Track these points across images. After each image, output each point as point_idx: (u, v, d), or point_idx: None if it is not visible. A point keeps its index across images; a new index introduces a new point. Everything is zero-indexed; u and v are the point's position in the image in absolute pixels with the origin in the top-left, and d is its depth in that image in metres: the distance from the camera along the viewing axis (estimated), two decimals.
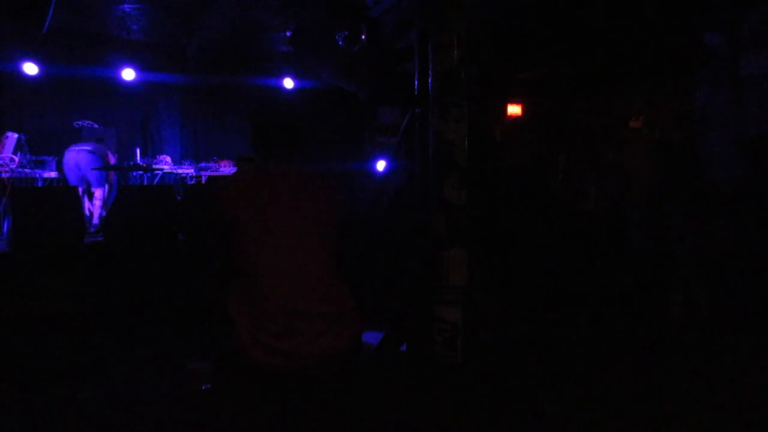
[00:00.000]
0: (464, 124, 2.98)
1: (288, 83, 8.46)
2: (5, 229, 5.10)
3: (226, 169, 7.69)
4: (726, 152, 4.80)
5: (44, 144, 6.83)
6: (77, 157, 6.33)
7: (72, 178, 6.39)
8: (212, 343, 2.07)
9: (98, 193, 6.50)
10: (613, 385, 3.14)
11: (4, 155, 6.10)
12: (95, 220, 6.20)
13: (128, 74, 7.57)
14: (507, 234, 3.92)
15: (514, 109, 7.91)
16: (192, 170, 7.65)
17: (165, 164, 7.41)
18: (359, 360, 2.13)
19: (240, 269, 1.88)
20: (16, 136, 6.35)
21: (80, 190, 6.02)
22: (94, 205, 6.35)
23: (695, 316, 4.11)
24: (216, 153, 8.43)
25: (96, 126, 7.14)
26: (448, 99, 2.95)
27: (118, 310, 4.20)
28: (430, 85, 3.05)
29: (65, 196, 5.07)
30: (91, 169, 6.62)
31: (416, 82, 3.33)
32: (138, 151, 7.20)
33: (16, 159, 6.15)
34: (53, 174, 6.61)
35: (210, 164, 7.80)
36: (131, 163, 7.09)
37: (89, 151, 6.40)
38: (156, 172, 7.26)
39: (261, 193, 1.91)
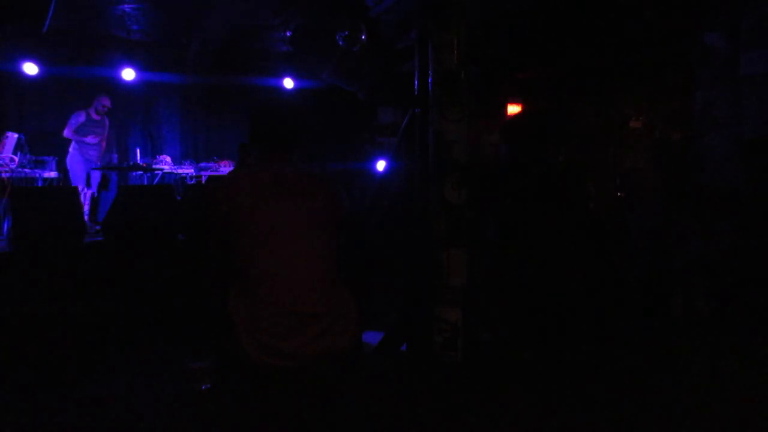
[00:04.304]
0: (464, 124, 2.98)
1: (288, 83, 8.46)
2: (5, 229, 5.10)
3: (226, 169, 7.68)
4: (726, 152, 4.79)
5: (44, 144, 6.83)
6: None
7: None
8: (212, 343, 2.07)
9: (88, 193, 6.57)
10: (613, 385, 3.14)
11: (4, 155, 6.10)
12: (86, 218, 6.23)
13: (128, 74, 7.57)
14: (506, 233, 3.92)
15: (514, 109, 7.91)
16: (192, 170, 7.65)
17: (165, 164, 7.40)
18: (359, 360, 2.13)
19: (239, 270, 1.88)
20: (16, 136, 6.36)
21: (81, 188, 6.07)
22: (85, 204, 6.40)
23: (695, 315, 4.11)
24: (216, 153, 8.42)
25: None
26: (448, 99, 2.95)
27: (118, 310, 4.20)
28: (430, 85, 3.05)
29: (65, 196, 5.07)
30: (91, 169, 6.65)
31: (416, 82, 3.33)
32: (138, 151, 7.20)
33: (16, 159, 6.15)
34: (53, 174, 6.62)
35: (210, 164, 7.80)
36: (131, 163, 7.10)
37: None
38: (156, 172, 7.26)
39: (260, 193, 1.91)
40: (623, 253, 4.46)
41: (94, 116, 6.60)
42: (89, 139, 6.53)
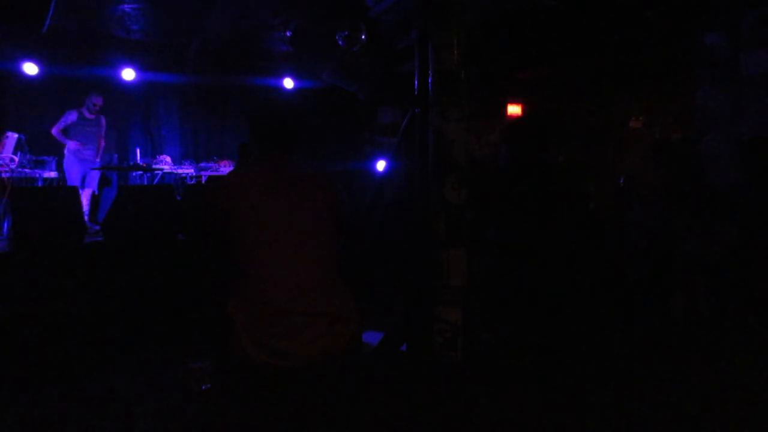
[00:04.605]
0: (464, 124, 2.98)
1: (288, 83, 8.46)
2: (5, 229, 5.10)
3: (226, 169, 7.69)
4: (726, 152, 4.79)
5: (44, 144, 6.83)
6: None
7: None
8: (212, 343, 2.07)
9: (87, 192, 6.55)
10: (613, 385, 3.14)
11: (4, 155, 6.10)
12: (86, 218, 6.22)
13: (128, 74, 7.57)
14: (506, 233, 3.92)
15: (514, 109, 7.93)
16: (192, 170, 7.65)
17: (165, 164, 7.41)
18: (359, 360, 2.12)
19: (240, 269, 1.88)
20: (16, 136, 6.36)
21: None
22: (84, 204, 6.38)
23: (695, 315, 4.11)
24: (216, 153, 8.43)
25: None
26: (448, 99, 2.95)
27: (118, 310, 4.20)
28: (430, 85, 3.05)
29: (65, 196, 5.07)
30: (91, 169, 6.64)
31: (416, 82, 3.32)
32: (138, 151, 7.20)
33: (16, 159, 6.16)
34: (53, 174, 6.62)
35: (210, 164, 7.80)
36: (131, 163, 7.10)
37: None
38: (156, 172, 7.27)
39: (260, 193, 1.91)
40: (623, 253, 4.46)
41: (87, 115, 6.54)
42: (71, 144, 6.46)
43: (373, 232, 3.81)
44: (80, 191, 6.39)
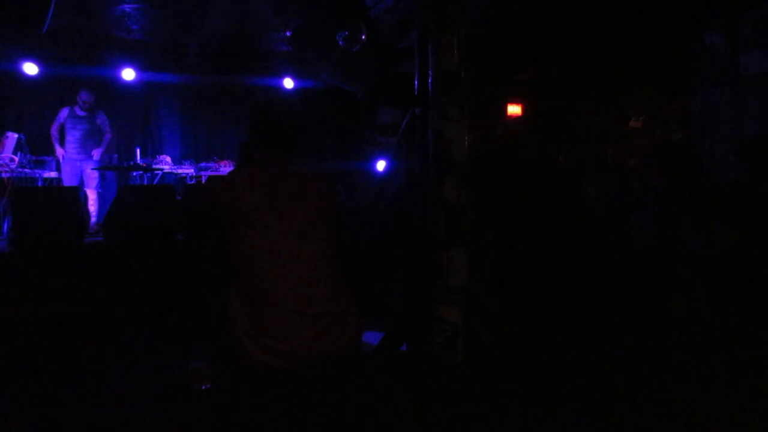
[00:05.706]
0: (464, 124, 2.99)
1: (288, 83, 8.45)
2: (5, 229, 5.11)
3: (226, 169, 7.68)
4: (726, 152, 4.80)
5: (44, 144, 6.83)
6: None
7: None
8: (212, 343, 2.07)
9: (91, 193, 6.53)
10: (613, 385, 3.14)
11: (4, 155, 6.10)
12: (93, 220, 6.20)
13: (128, 74, 7.57)
14: (507, 233, 3.93)
15: (514, 109, 7.92)
16: (192, 170, 7.65)
17: (165, 164, 7.40)
18: (359, 360, 2.13)
19: (240, 269, 1.88)
20: (16, 136, 6.36)
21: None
22: (89, 205, 6.35)
23: (695, 315, 4.11)
24: (216, 153, 8.42)
25: None
26: (448, 99, 2.95)
27: (118, 311, 4.20)
28: (430, 85, 3.05)
29: (65, 196, 5.07)
30: (91, 169, 6.63)
31: (416, 82, 3.33)
32: (138, 151, 7.19)
33: (16, 159, 6.15)
34: (53, 174, 6.61)
35: (210, 164, 7.80)
36: (131, 163, 7.09)
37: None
38: (156, 172, 7.26)
39: (260, 193, 1.91)
40: (623, 253, 4.46)
41: (79, 112, 6.48)
42: (58, 151, 6.44)
43: (373, 231, 3.81)
44: (86, 190, 6.38)
